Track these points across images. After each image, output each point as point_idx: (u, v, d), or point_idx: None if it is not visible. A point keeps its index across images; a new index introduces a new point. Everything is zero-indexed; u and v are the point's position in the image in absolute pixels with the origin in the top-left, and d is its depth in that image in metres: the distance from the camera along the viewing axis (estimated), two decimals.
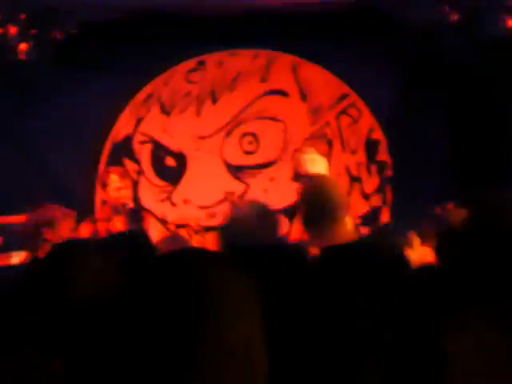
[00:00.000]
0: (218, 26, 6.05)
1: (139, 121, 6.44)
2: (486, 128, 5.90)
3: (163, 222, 6.43)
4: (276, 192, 6.43)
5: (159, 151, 6.49)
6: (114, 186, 5.08)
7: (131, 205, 5.20)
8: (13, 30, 4.95)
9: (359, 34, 6.22)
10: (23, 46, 5.07)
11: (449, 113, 6.36)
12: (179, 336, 1.07)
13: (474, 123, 6.03)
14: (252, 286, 1.14)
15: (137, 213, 5.31)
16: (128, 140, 6.44)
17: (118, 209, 5.11)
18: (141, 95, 6.42)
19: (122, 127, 6.41)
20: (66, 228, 3.77)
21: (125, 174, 5.29)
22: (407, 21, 5.70)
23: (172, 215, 6.44)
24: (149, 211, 6.38)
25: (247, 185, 6.54)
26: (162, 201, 6.49)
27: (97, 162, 6.33)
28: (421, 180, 6.44)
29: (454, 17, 5.37)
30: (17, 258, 5.29)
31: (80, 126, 6.16)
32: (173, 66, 6.42)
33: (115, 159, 6.38)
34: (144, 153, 6.48)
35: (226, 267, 1.16)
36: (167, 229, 6.40)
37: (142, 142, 6.47)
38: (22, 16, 5.00)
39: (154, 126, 6.47)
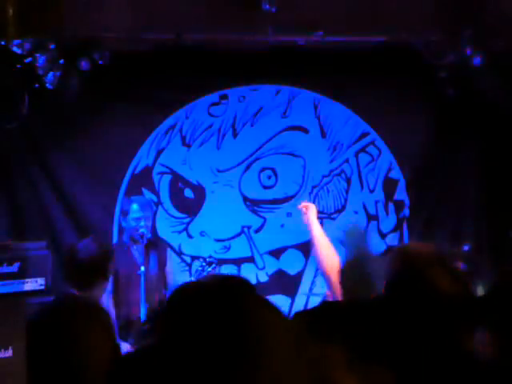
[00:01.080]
0: (241, 61, 6.13)
1: (159, 152, 6.49)
2: None
3: (179, 253, 6.43)
4: (292, 227, 6.42)
5: (178, 183, 6.53)
6: (134, 216, 5.09)
7: (149, 235, 5.20)
8: (41, 58, 5.02)
9: (381, 73, 6.27)
10: (52, 75, 5.14)
11: (468, 154, 6.38)
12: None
13: (502, 164, 6.04)
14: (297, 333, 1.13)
15: (155, 243, 5.31)
16: (148, 171, 6.47)
17: (135, 238, 5.12)
18: (162, 127, 6.47)
19: (143, 158, 6.45)
20: None
21: (146, 204, 5.30)
22: (431, 62, 5.76)
23: (188, 247, 6.45)
24: (166, 242, 6.39)
25: (264, 219, 6.55)
26: (179, 232, 6.51)
27: (117, 191, 6.36)
28: (436, 221, 6.46)
29: (478, 59, 5.41)
30: (34, 284, 5.30)
31: (102, 155, 6.22)
32: (195, 99, 6.48)
33: (134, 189, 6.41)
34: (163, 184, 6.52)
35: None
36: (182, 260, 6.41)
37: (162, 174, 6.51)
38: (52, 45, 5.07)
39: (174, 157, 6.51)
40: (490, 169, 6.29)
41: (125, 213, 5.19)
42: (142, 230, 5.04)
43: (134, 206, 5.12)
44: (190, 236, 6.49)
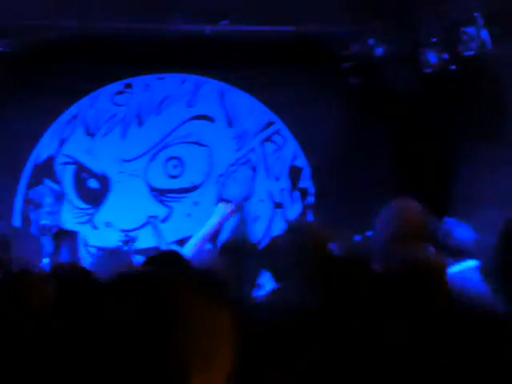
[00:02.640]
0: (147, 50, 6.06)
1: (63, 142, 6.34)
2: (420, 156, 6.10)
3: (84, 244, 6.31)
4: (200, 217, 6.43)
5: (82, 173, 6.40)
6: (49, 210, 4.96)
7: (57, 227, 5.09)
8: None
9: (287, 64, 6.36)
10: None
11: (375, 142, 6.56)
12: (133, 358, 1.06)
13: (409, 150, 6.23)
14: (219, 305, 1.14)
15: (63, 235, 5.19)
16: (51, 161, 6.31)
17: (44, 231, 5.00)
18: (65, 116, 6.32)
19: (45, 148, 6.28)
20: None
21: (60, 197, 5.17)
22: (337, 54, 5.90)
23: (93, 238, 6.34)
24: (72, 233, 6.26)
25: (171, 209, 6.52)
26: (84, 223, 6.39)
27: (18, 182, 6.18)
28: (342, 207, 6.61)
29: (380, 50, 5.58)
30: None
31: (3, 144, 6.03)
32: (99, 88, 6.36)
33: (37, 180, 6.24)
34: (67, 174, 6.37)
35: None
36: (88, 252, 6.30)
37: (65, 164, 6.37)
38: None
39: (78, 147, 6.38)
40: (398, 155, 6.48)
41: (37, 205, 5.03)
42: (54, 223, 4.94)
43: (49, 200, 4.98)
44: (95, 227, 6.39)
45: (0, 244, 3.70)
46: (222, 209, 4.59)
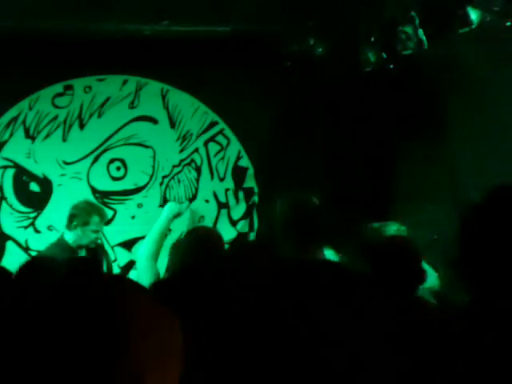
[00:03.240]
0: (86, 50, 5.99)
1: (2, 145, 6.23)
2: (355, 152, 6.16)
3: (26, 249, 6.22)
4: (144, 218, 6.39)
5: (23, 176, 6.30)
6: (95, 228, 4.98)
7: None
8: None
9: (228, 64, 6.36)
10: None
11: (315, 139, 6.60)
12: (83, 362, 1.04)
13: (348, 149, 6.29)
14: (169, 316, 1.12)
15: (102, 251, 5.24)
16: None
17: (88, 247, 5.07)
18: (4, 118, 6.22)
19: None
20: None
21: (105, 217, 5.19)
22: (278, 54, 5.91)
23: (35, 242, 6.25)
24: (10, 238, 6.17)
25: (114, 211, 6.46)
26: (25, 227, 6.29)
27: None
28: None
29: (320, 49, 5.61)
30: None
31: None
32: (39, 90, 6.27)
33: None
34: (6, 178, 6.27)
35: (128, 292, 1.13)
36: (30, 256, 6.20)
37: (5, 167, 6.26)
38: None
39: (18, 150, 6.28)
40: (338, 154, 6.53)
41: (86, 222, 4.97)
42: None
43: (96, 219, 4.97)
44: (37, 231, 6.29)
45: None
46: (170, 208, 4.65)
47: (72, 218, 5.03)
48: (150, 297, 1.11)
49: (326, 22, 5.52)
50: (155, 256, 4.27)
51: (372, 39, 5.44)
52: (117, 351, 1.02)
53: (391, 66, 5.49)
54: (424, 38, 5.21)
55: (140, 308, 1.08)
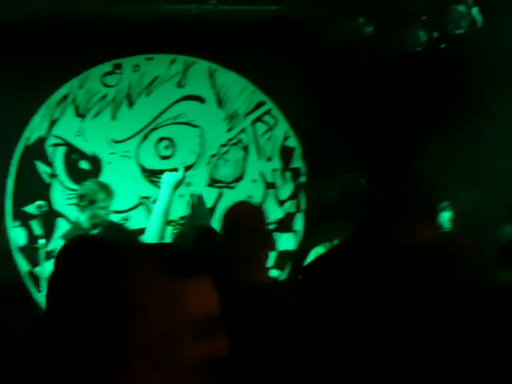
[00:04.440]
0: (135, 30, 6.02)
1: (53, 123, 6.32)
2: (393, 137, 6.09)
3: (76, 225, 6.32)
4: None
5: (73, 154, 6.39)
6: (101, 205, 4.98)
7: (45, 208, 5.13)
8: None
9: (277, 44, 6.31)
10: None
11: (363, 122, 6.52)
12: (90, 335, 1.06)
13: (387, 133, 6.22)
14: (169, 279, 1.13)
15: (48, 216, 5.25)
16: (41, 142, 6.30)
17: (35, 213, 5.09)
18: (55, 97, 6.30)
19: (35, 129, 6.27)
20: None
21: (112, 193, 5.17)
22: (326, 34, 5.84)
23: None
24: (61, 215, 6.28)
25: None
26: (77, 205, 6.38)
27: (8, 164, 6.18)
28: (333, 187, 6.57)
29: (369, 29, 5.52)
30: None
31: None
32: (88, 69, 6.33)
33: (27, 161, 6.25)
34: (57, 156, 6.36)
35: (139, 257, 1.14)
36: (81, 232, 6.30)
37: (56, 145, 6.36)
38: None
39: (68, 128, 6.36)
40: (379, 134, 6.45)
41: (92, 201, 4.99)
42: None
43: (102, 196, 4.99)
44: None
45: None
46: (167, 179, 4.55)
47: (79, 198, 5.05)
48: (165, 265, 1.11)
49: (376, 1, 5.44)
50: (162, 233, 4.27)
51: (423, 18, 5.33)
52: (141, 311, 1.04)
53: (442, 46, 5.37)
54: (478, 16, 5.09)
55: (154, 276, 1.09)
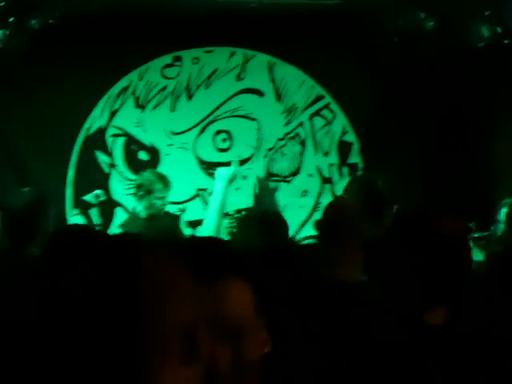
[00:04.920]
0: (195, 22, 6.07)
1: (113, 114, 6.43)
2: (459, 134, 5.99)
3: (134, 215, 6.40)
4: (248, 190, 6.44)
5: (132, 145, 6.48)
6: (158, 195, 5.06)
7: (103, 197, 5.22)
8: None
9: (337, 38, 6.28)
10: (1, 34, 5.01)
11: (423, 118, 6.43)
12: (109, 325, 1.06)
13: (448, 129, 6.12)
14: (187, 273, 1.13)
15: (106, 205, 5.33)
16: (101, 133, 6.41)
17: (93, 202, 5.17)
18: (115, 88, 6.40)
19: (96, 120, 6.39)
20: None
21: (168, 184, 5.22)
22: (385, 28, 5.78)
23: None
24: (119, 204, 6.37)
25: None
26: (133, 195, 6.47)
27: (69, 154, 6.31)
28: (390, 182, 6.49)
29: (430, 24, 5.43)
30: None
31: (54, 117, 6.14)
32: (148, 61, 6.40)
33: (87, 152, 6.36)
34: (116, 146, 6.47)
35: (161, 251, 1.15)
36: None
37: (115, 136, 6.46)
38: (1, 3, 4.94)
39: (128, 119, 6.46)
40: (440, 131, 6.35)
41: (149, 191, 5.07)
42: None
43: (159, 186, 5.07)
44: None
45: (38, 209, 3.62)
46: (221, 175, 4.56)
47: (137, 188, 5.09)
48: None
49: None
50: (219, 226, 4.29)
51: (486, 13, 5.21)
52: (164, 304, 1.05)
53: (506, 42, 5.25)
54: None
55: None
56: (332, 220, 2.92)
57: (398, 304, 1.91)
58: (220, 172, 4.54)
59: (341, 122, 6.64)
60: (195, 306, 1.09)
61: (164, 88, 6.47)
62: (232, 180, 4.69)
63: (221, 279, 1.15)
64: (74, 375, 1.06)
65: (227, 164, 6.52)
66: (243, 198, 6.43)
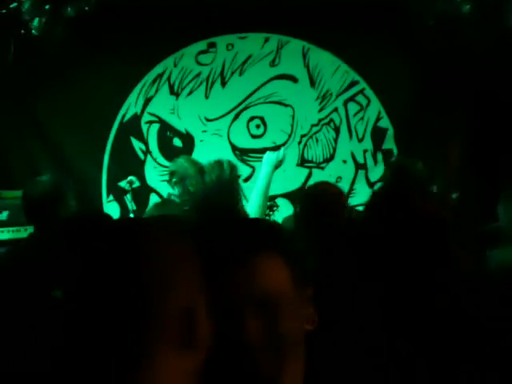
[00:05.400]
0: (229, 8, 6.06)
1: (148, 101, 6.46)
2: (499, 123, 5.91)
3: (168, 201, 6.44)
4: (281, 176, 6.43)
5: (167, 132, 6.51)
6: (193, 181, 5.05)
7: (136, 184, 5.26)
8: (27, 4, 4.94)
9: (372, 23, 6.23)
10: (37, 21, 5.06)
11: (459, 107, 6.37)
12: (115, 305, 1.07)
13: (488, 118, 6.04)
14: (192, 251, 1.13)
15: (142, 192, 5.36)
16: (136, 119, 6.45)
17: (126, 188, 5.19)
18: (150, 75, 6.43)
19: (131, 106, 6.43)
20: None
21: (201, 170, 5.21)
22: (421, 13, 5.70)
23: None
24: (154, 191, 6.42)
25: (253, 168, 6.56)
26: (168, 181, 6.50)
27: (105, 140, 6.36)
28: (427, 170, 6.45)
29: (466, 7, 5.36)
30: (25, 232, 5.33)
31: (90, 103, 6.20)
32: (183, 47, 6.42)
33: (123, 138, 6.41)
34: (151, 133, 6.50)
35: (162, 233, 1.15)
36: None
37: (150, 122, 6.49)
38: None
39: (163, 106, 6.48)
40: (477, 120, 6.28)
41: (183, 177, 5.05)
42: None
43: (193, 172, 5.03)
44: None
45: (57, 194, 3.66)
46: (269, 160, 4.58)
47: (171, 175, 5.10)
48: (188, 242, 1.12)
49: None
50: (264, 209, 4.29)
51: None
52: (164, 288, 1.05)
53: None
54: None
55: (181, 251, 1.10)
56: (311, 205, 2.97)
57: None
58: (267, 156, 4.57)
59: (376, 107, 6.60)
60: (198, 290, 1.08)
61: (198, 74, 6.49)
62: (278, 166, 4.71)
63: (254, 254, 1.15)
64: (75, 356, 1.07)
65: (261, 151, 6.55)
66: (276, 185, 6.41)
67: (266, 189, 4.40)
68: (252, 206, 4.37)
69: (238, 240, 1.15)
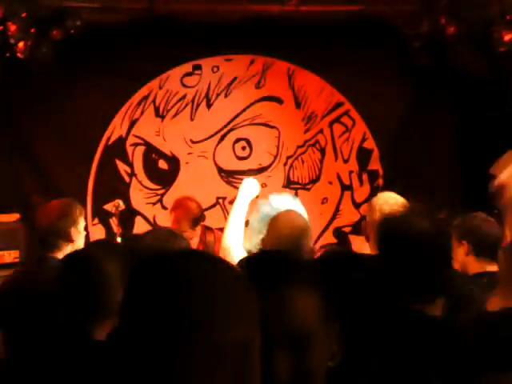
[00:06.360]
0: (215, 31, 6.07)
1: (133, 123, 6.43)
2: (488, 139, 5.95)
3: (153, 225, 6.41)
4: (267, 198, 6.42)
5: (152, 154, 6.49)
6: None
7: (123, 207, 5.23)
8: (13, 27, 4.92)
9: (356, 44, 6.27)
10: (23, 45, 5.04)
11: (443, 126, 6.42)
12: (163, 337, 1.03)
13: (477, 136, 6.08)
14: (248, 287, 1.09)
15: (127, 215, 5.33)
16: (121, 142, 6.42)
17: (113, 211, 5.17)
18: (135, 97, 6.41)
19: (116, 129, 6.40)
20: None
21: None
22: (407, 34, 5.76)
23: (162, 218, 6.42)
24: (139, 213, 6.38)
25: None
26: (154, 204, 6.48)
27: (90, 163, 6.32)
28: (410, 191, 6.47)
29: (451, 29, 5.41)
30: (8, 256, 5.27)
31: (75, 126, 6.17)
32: (168, 69, 6.42)
33: (108, 161, 6.37)
34: (137, 155, 6.47)
35: (218, 267, 1.11)
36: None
37: (135, 145, 6.47)
38: (23, 14, 4.97)
39: (148, 128, 6.46)
40: (464, 141, 6.34)
41: None
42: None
43: None
44: (164, 207, 6.46)
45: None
46: (247, 185, 4.54)
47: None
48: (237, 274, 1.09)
49: (459, 1, 5.33)
50: (239, 235, 4.26)
51: (507, 17, 5.19)
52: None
53: None
54: None
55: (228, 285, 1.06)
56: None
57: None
58: (245, 183, 4.53)
59: (361, 128, 6.63)
60: (253, 322, 1.04)
61: (184, 96, 6.48)
62: (254, 193, 4.67)
63: (285, 285, 1.13)
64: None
65: (247, 172, 6.54)
66: None
67: (241, 214, 4.34)
68: (225, 231, 4.33)
69: (273, 270, 1.13)
